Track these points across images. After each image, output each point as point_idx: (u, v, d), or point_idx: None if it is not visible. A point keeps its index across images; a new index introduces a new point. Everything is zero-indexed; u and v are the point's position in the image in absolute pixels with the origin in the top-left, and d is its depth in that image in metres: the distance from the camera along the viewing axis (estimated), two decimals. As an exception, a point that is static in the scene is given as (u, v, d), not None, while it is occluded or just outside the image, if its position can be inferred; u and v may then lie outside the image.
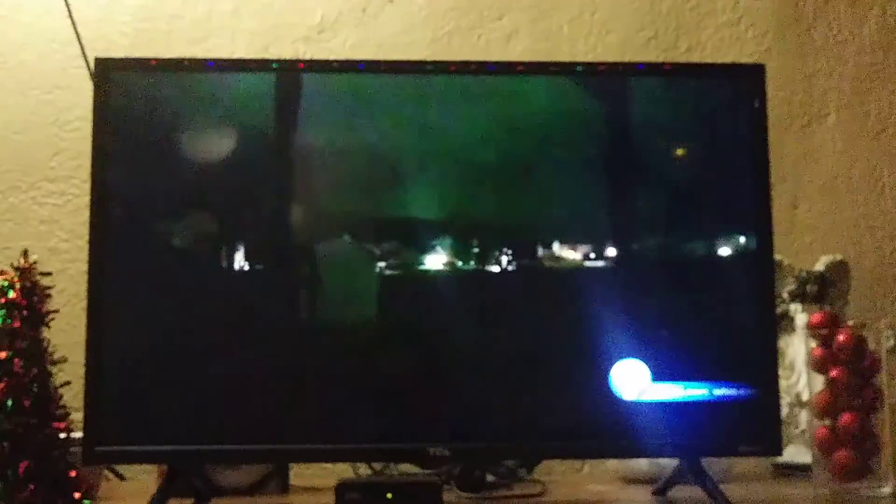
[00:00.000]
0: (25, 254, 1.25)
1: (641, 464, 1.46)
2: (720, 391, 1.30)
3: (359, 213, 1.33)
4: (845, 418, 1.36)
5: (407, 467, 1.39)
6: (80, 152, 1.69)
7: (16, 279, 1.23)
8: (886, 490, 1.33)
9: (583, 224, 1.34)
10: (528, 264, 1.32)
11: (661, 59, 1.82)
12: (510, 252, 1.32)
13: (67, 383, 1.23)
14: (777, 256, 1.43)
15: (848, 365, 1.38)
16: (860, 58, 1.88)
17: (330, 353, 1.29)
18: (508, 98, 1.35)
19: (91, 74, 1.39)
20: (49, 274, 1.25)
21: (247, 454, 1.30)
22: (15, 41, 1.74)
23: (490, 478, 1.40)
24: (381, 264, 1.31)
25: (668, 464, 1.36)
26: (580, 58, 1.81)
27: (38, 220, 1.70)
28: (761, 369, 1.31)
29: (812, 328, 1.43)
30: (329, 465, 1.43)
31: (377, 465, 1.42)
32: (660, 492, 1.36)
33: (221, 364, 1.28)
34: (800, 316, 1.56)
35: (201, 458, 1.29)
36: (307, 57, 1.75)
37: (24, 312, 1.22)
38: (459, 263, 1.32)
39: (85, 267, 1.28)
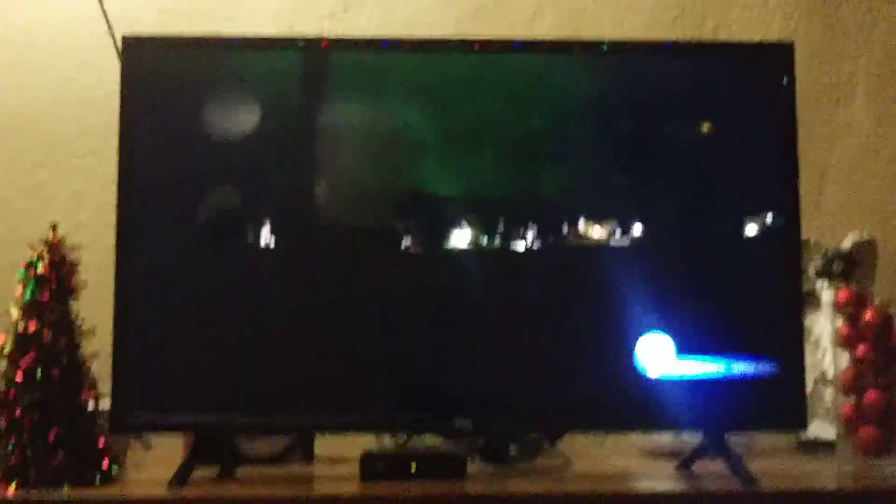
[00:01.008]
0: (54, 228, 1.27)
1: (665, 438, 1.46)
2: (745, 367, 1.30)
3: (384, 190, 1.34)
4: (870, 395, 1.36)
5: (431, 439, 1.40)
6: (106, 128, 1.70)
7: (44, 253, 1.25)
8: (910, 466, 1.33)
9: (608, 201, 1.34)
10: (553, 241, 1.32)
11: (687, 38, 1.81)
12: (535, 229, 1.32)
13: (96, 354, 1.25)
14: (804, 234, 1.42)
15: (874, 343, 1.37)
16: (889, 38, 1.86)
17: (356, 326, 1.30)
18: (534, 75, 1.35)
19: (118, 52, 1.39)
20: (77, 248, 1.27)
21: (272, 424, 1.31)
22: (41, 19, 1.75)
23: (513, 450, 1.40)
24: (406, 240, 1.32)
25: (692, 438, 1.36)
26: (606, 36, 1.80)
27: (67, 195, 1.72)
28: (787, 345, 1.31)
29: (839, 306, 1.42)
30: (353, 436, 1.43)
31: (401, 437, 1.42)
32: (683, 466, 1.36)
33: (247, 336, 1.29)
34: (826, 293, 1.55)
35: (227, 427, 1.31)
36: (332, 34, 1.75)
37: (53, 286, 1.24)
38: (484, 240, 1.32)
39: (112, 241, 1.29)
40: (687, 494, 1.25)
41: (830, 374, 1.50)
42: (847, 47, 1.86)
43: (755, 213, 1.34)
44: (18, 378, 1.21)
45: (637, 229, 1.33)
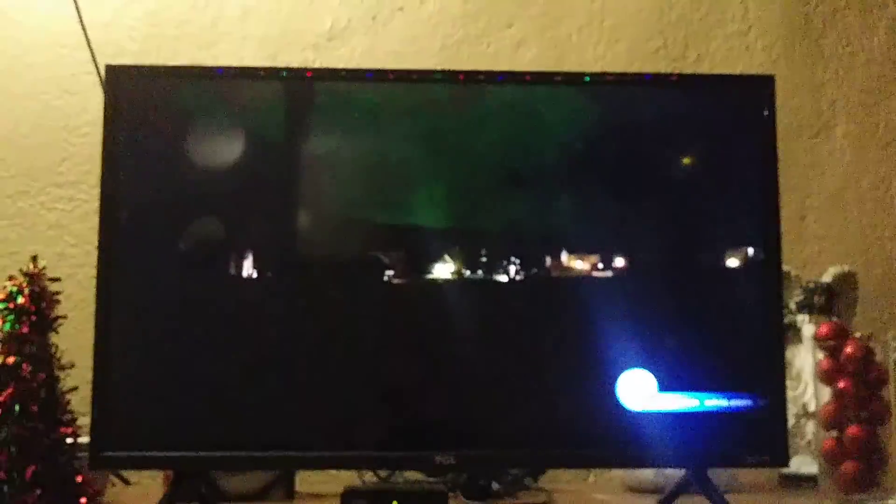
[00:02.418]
0: (34, 259, 1.26)
1: (647, 474, 1.45)
2: (727, 401, 1.30)
3: (366, 221, 1.33)
4: (852, 430, 1.36)
5: (413, 475, 1.39)
6: (88, 157, 1.69)
7: (24, 284, 1.23)
8: (893, 503, 1.32)
9: (591, 233, 1.34)
10: (535, 273, 1.32)
11: (669, 69, 1.82)
12: (518, 261, 1.32)
13: (75, 388, 1.24)
14: (785, 267, 1.42)
15: (855, 376, 1.38)
16: (869, 69, 1.88)
17: (337, 360, 1.30)
18: (516, 107, 1.35)
19: (101, 81, 1.39)
20: (57, 279, 1.25)
21: (252, 460, 1.30)
22: (24, 45, 1.74)
23: (496, 486, 1.40)
24: (390, 272, 1.31)
25: (674, 474, 1.36)
26: (589, 66, 1.81)
27: (47, 225, 1.71)
28: (769, 380, 1.31)
29: (820, 339, 1.43)
30: (334, 472, 1.43)
31: (383, 473, 1.42)
32: (665, 502, 1.35)
33: (228, 370, 1.28)
34: (807, 327, 1.56)
35: (207, 463, 1.29)
36: (316, 64, 1.75)
37: (33, 318, 1.23)
38: (467, 272, 1.32)
39: (93, 272, 1.28)
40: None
41: (812, 408, 1.50)
42: (828, 78, 1.87)
43: (736, 245, 1.34)
44: (-5, 412, 1.19)
45: (619, 262, 1.33)
